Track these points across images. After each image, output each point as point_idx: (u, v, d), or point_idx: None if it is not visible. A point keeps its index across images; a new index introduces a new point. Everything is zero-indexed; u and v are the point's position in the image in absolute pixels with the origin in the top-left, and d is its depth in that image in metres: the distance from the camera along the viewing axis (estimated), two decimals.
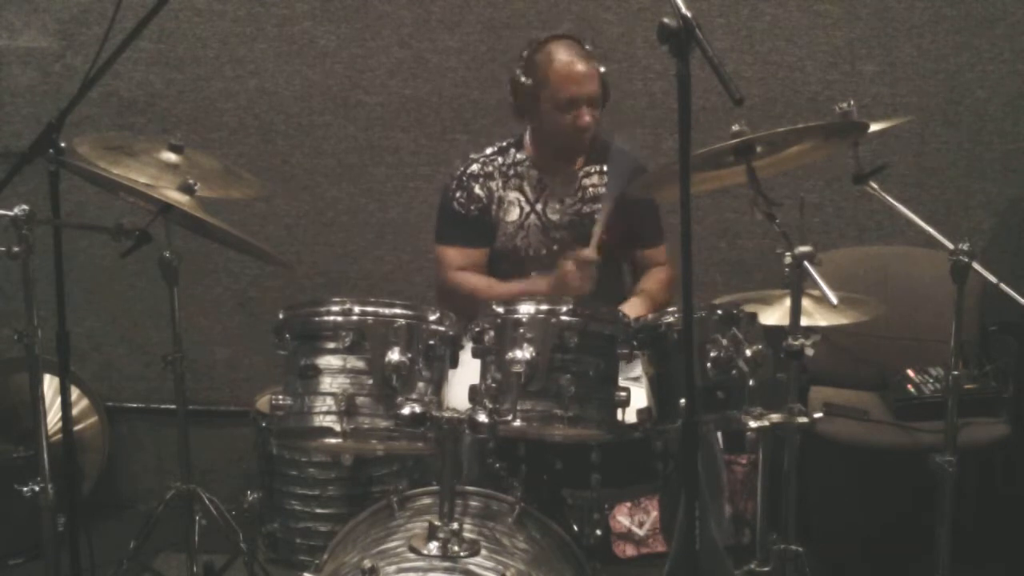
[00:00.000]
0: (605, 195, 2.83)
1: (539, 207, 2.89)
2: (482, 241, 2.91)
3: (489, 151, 2.95)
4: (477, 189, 2.90)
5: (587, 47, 2.82)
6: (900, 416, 3.04)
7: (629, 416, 2.14)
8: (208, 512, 2.79)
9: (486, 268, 2.93)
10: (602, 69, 2.81)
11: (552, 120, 2.78)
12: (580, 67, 2.75)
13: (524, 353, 2.01)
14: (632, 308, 2.76)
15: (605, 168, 2.92)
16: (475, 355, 2.10)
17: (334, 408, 2.02)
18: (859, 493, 3.47)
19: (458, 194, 2.90)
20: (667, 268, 2.97)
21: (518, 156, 2.93)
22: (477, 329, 2.10)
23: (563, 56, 2.76)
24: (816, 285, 2.03)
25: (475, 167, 2.92)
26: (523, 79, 2.79)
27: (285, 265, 3.34)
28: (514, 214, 2.89)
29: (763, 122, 3.04)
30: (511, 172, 2.91)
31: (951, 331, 2.35)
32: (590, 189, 2.92)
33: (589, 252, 2.69)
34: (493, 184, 2.90)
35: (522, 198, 2.90)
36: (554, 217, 2.89)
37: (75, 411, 3.43)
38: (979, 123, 3.46)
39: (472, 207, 2.89)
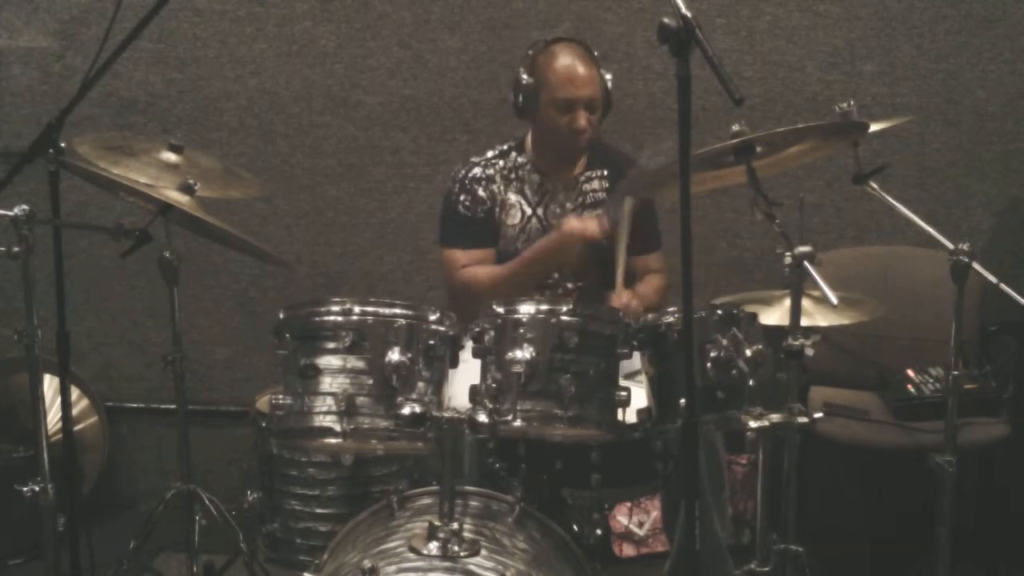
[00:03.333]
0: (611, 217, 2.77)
1: (540, 211, 2.89)
2: (489, 242, 2.91)
3: (490, 154, 2.95)
4: (481, 191, 2.90)
5: (595, 53, 2.83)
6: (900, 416, 3.04)
7: (629, 416, 2.14)
8: (208, 512, 2.79)
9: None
10: (608, 77, 2.82)
11: (549, 120, 2.79)
12: (580, 70, 2.76)
13: (524, 353, 2.01)
14: (620, 298, 2.71)
15: (606, 172, 2.92)
16: (475, 355, 2.10)
17: (334, 408, 2.01)
18: (859, 493, 3.47)
19: (462, 197, 2.90)
20: (662, 276, 2.97)
21: (519, 159, 2.93)
22: (477, 329, 2.10)
23: (565, 58, 2.78)
24: (816, 285, 2.03)
25: (477, 170, 2.92)
26: (524, 77, 2.80)
27: (285, 265, 3.34)
28: (516, 217, 2.89)
29: (763, 122, 3.05)
30: (512, 176, 2.91)
31: (951, 331, 2.35)
32: (591, 194, 2.92)
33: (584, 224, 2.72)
34: (495, 187, 2.90)
35: (523, 201, 2.90)
36: (555, 221, 2.89)
37: (75, 411, 3.43)
38: (979, 123, 3.46)
39: (478, 209, 2.89)
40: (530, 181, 2.91)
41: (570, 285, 2.88)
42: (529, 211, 2.90)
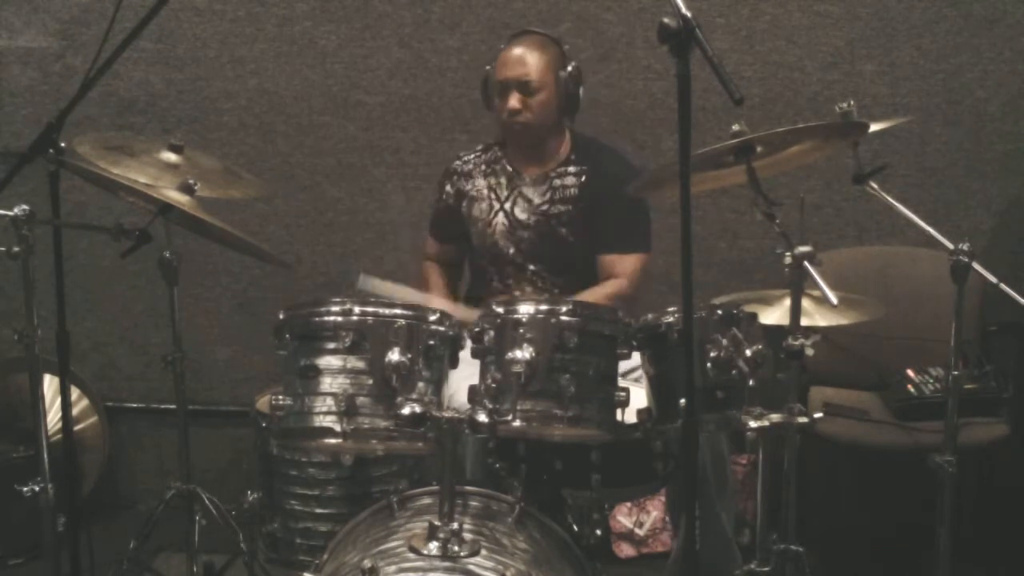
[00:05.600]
0: None
1: (507, 205, 2.90)
2: (446, 235, 3.00)
3: (478, 148, 3.03)
4: (449, 187, 3.01)
5: (565, 45, 2.88)
6: (900, 416, 3.04)
7: (629, 416, 2.14)
8: (208, 512, 2.80)
9: (455, 262, 3.03)
10: (570, 67, 2.83)
11: (495, 108, 2.86)
12: (516, 53, 2.82)
13: (524, 353, 2.01)
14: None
15: (584, 168, 2.91)
16: (475, 355, 2.10)
17: (334, 408, 2.01)
18: (859, 493, 3.47)
19: (438, 189, 3.04)
20: (622, 282, 2.84)
21: (498, 153, 2.98)
22: (477, 329, 2.10)
23: (512, 45, 2.84)
24: (816, 285, 2.03)
25: (457, 163, 3.03)
26: (487, 69, 2.88)
27: (285, 265, 3.34)
28: (482, 209, 2.93)
29: (763, 122, 3.04)
30: (489, 169, 2.96)
31: (951, 331, 2.35)
32: (561, 189, 2.91)
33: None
34: (471, 181, 2.96)
35: (493, 195, 2.93)
36: (521, 216, 2.90)
37: (75, 411, 3.43)
38: (979, 123, 3.46)
39: (447, 203, 3.00)
40: (505, 174, 2.94)
41: (549, 282, 2.90)
42: (497, 205, 2.92)
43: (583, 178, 2.90)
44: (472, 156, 3.01)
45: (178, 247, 2.72)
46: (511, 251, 2.90)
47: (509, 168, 2.93)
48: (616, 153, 2.98)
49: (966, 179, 3.49)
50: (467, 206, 2.94)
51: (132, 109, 3.63)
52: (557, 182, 2.91)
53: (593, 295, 2.81)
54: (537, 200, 2.90)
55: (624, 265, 2.87)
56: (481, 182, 2.95)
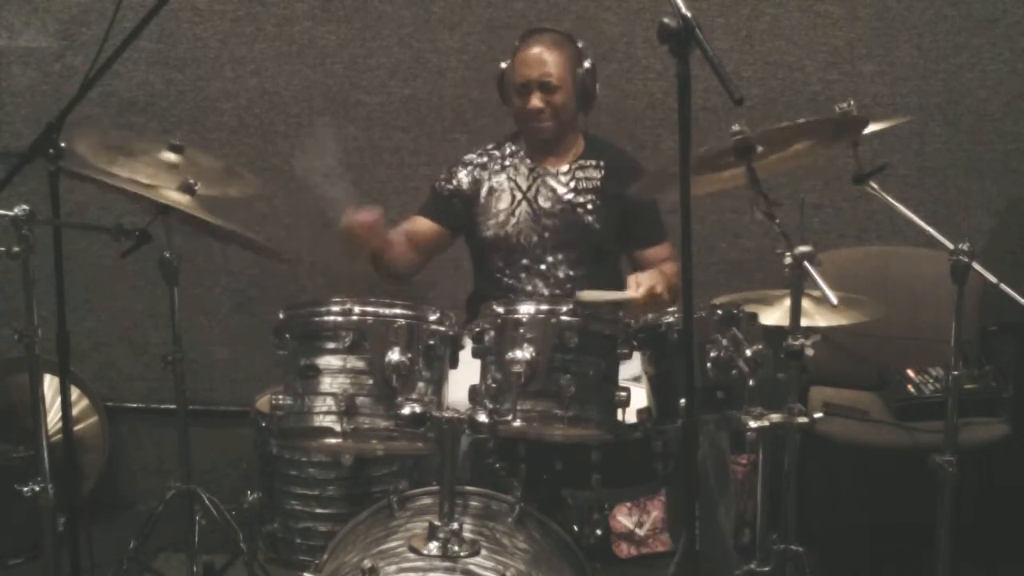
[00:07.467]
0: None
1: (531, 195, 2.91)
2: (435, 214, 2.97)
3: (489, 145, 3.02)
4: (463, 175, 2.97)
5: (579, 43, 2.88)
6: (900, 416, 3.04)
7: (629, 416, 2.14)
8: (208, 512, 2.79)
9: (430, 245, 2.98)
10: (587, 64, 2.86)
11: (513, 105, 2.89)
12: (536, 52, 2.83)
13: (524, 353, 2.02)
14: (649, 277, 2.70)
15: (601, 163, 2.94)
16: (475, 355, 2.10)
17: (334, 408, 2.02)
18: (859, 493, 3.47)
19: (442, 175, 3.01)
20: (675, 263, 2.96)
21: (514, 147, 2.98)
22: (477, 329, 2.10)
23: (530, 43, 2.86)
24: (816, 285, 2.03)
25: (471, 155, 3.01)
26: (503, 66, 2.91)
27: (285, 261, 3.32)
28: (505, 201, 2.93)
29: (763, 122, 3.03)
30: (506, 163, 2.96)
31: (951, 331, 2.35)
32: (584, 180, 2.93)
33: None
34: (484, 173, 2.96)
35: (514, 186, 2.93)
36: (545, 205, 2.91)
37: (75, 411, 3.43)
38: (979, 123, 3.45)
39: (447, 187, 2.97)
40: (523, 167, 2.95)
41: (562, 275, 2.89)
42: (519, 195, 2.92)
43: (602, 172, 2.93)
44: (484, 150, 3.00)
45: (178, 247, 2.72)
46: (534, 239, 2.90)
47: (529, 161, 2.95)
48: (623, 151, 3.04)
49: (966, 179, 3.49)
50: (486, 198, 2.93)
51: (132, 109, 3.62)
52: (580, 174, 2.94)
53: (665, 271, 2.83)
54: (562, 190, 2.91)
55: (666, 252, 2.97)
56: (501, 176, 2.95)
